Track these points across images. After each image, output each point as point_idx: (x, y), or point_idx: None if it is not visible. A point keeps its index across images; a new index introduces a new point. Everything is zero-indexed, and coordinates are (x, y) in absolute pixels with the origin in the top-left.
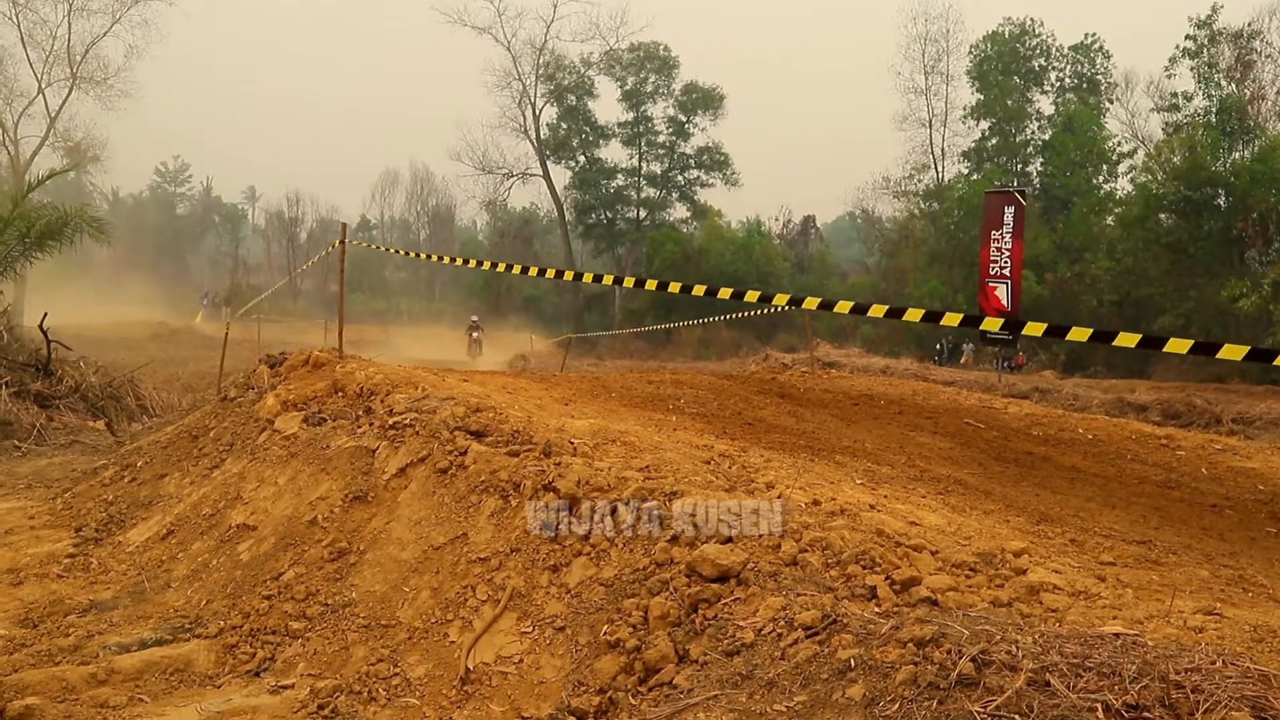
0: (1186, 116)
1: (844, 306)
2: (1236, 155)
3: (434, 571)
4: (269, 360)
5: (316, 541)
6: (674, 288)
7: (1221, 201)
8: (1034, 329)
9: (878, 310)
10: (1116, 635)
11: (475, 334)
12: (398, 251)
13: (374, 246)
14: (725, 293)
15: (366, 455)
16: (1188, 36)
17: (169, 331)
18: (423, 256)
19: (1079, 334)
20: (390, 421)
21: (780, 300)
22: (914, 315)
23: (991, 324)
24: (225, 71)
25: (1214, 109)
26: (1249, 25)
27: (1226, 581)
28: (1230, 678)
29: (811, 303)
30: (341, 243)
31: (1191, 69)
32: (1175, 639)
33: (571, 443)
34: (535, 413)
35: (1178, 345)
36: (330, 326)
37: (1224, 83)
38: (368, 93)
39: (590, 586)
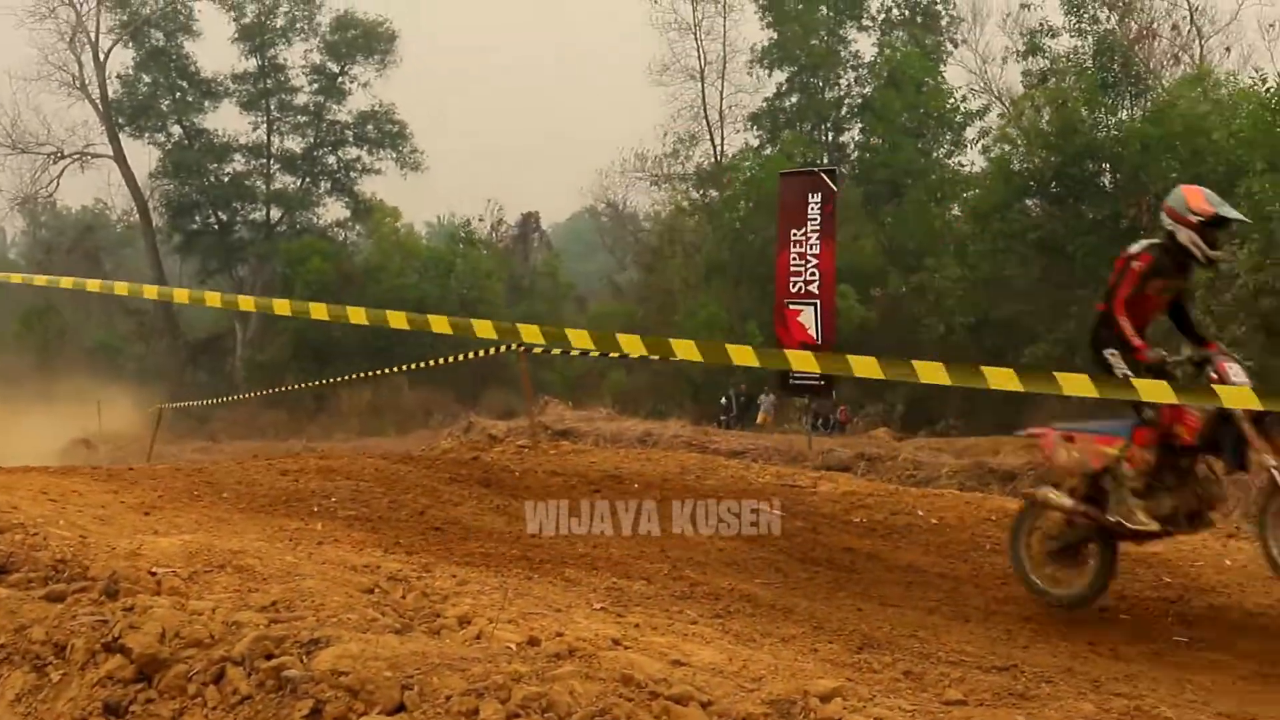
0: (1053, 61)
1: (610, 340)
2: (1123, 114)
3: None
4: None
5: None
6: (359, 314)
7: (1106, 179)
8: (808, 363)
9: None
10: None
11: None
12: None
13: None
14: (440, 323)
15: None
16: None
17: None
18: None
19: (864, 367)
20: None
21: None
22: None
23: (794, 362)
24: None
25: (1089, 50)
26: None
27: (1119, 716)
28: None
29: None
30: None
31: None
32: None
33: (153, 573)
34: (95, 529)
35: (1001, 378)
36: None
37: (1102, 16)
38: None
39: None
